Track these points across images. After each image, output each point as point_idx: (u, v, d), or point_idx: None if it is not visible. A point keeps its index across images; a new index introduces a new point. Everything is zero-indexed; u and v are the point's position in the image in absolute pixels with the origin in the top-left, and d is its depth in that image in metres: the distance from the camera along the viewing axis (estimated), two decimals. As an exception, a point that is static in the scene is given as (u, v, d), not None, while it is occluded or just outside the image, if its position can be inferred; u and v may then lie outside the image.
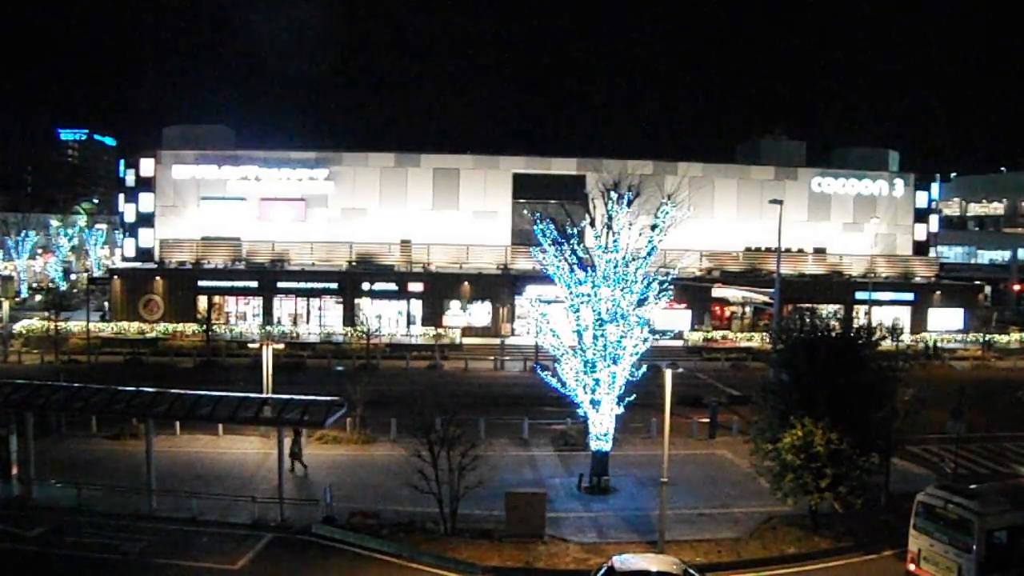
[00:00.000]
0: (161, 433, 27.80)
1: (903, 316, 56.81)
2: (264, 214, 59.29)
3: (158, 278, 54.88)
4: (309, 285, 55.23)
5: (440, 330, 52.84)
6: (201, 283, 55.15)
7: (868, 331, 23.18)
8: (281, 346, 39.75)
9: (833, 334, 22.68)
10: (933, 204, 67.30)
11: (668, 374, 21.25)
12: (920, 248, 64.62)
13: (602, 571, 18.30)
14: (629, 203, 24.80)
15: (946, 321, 57.92)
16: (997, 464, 29.93)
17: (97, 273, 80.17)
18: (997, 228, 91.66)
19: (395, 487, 24.31)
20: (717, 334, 54.50)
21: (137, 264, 58.91)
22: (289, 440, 25.91)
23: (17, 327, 51.41)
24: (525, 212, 49.99)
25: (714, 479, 27.43)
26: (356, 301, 54.44)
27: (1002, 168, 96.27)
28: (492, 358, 48.51)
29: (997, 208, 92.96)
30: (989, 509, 18.37)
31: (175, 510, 23.15)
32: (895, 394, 23.38)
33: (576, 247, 25.31)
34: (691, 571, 18.40)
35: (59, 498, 23.74)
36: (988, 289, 70.28)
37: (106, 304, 57.71)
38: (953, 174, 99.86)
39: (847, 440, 20.88)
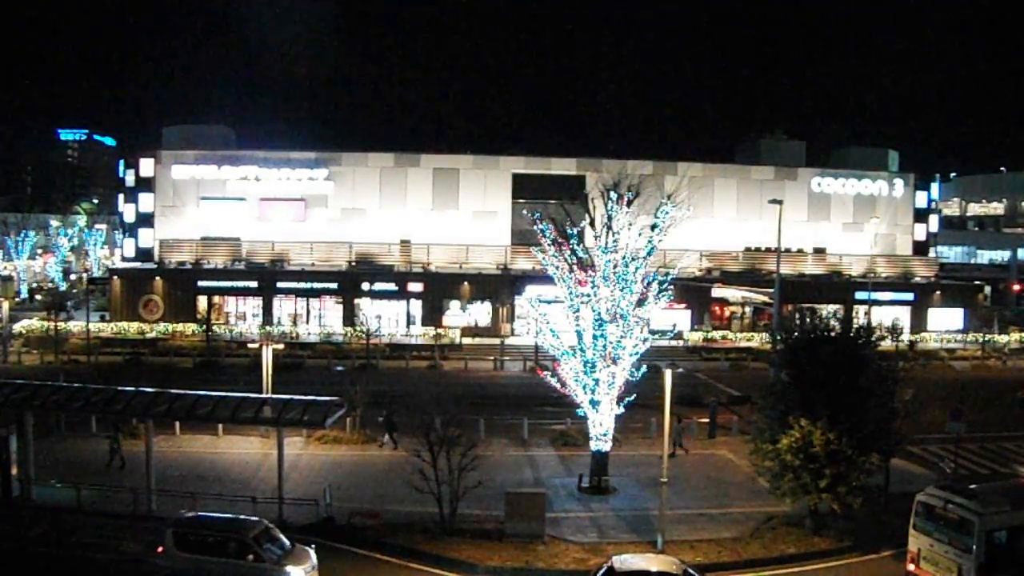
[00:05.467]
0: (161, 433, 27.78)
1: (903, 316, 56.79)
2: (264, 214, 59.29)
3: (158, 278, 54.87)
4: (309, 285, 55.23)
5: (440, 330, 52.82)
6: (201, 283, 55.16)
7: (868, 331, 23.19)
8: (281, 346, 39.80)
9: (833, 334, 22.68)
10: (933, 204, 67.34)
11: (668, 374, 21.26)
12: (920, 248, 64.63)
13: (602, 571, 18.29)
14: (629, 203, 24.83)
15: (946, 321, 57.96)
16: (997, 464, 29.95)
17: (97, 273, 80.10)
18: (997, 228, 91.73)
19: (395, 487, 24.34)
20: (717, 334, 54.50)
21: (137, 264, 58.90)
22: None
23: (17, 327, 51.42)
24: (525, 212, 50.02)
25: (714, 479, 27.43)
26: (356, 301, 54.44)
27: (1002, 168, 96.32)
28: (492, 358, 48.51)
29: (997, 208, 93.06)
30: (989, 509, 18.36)
31: (175, 510, 23.14)
32: (895, 394, 23.40)
33: (576, 247, 25.33)
34: (691, 571, 18.40)
35: (59, 498, 23.70)
36: (988, 289, 70.26)
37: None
38: (953, 174, 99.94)
39: (846, 440, 20.87)
